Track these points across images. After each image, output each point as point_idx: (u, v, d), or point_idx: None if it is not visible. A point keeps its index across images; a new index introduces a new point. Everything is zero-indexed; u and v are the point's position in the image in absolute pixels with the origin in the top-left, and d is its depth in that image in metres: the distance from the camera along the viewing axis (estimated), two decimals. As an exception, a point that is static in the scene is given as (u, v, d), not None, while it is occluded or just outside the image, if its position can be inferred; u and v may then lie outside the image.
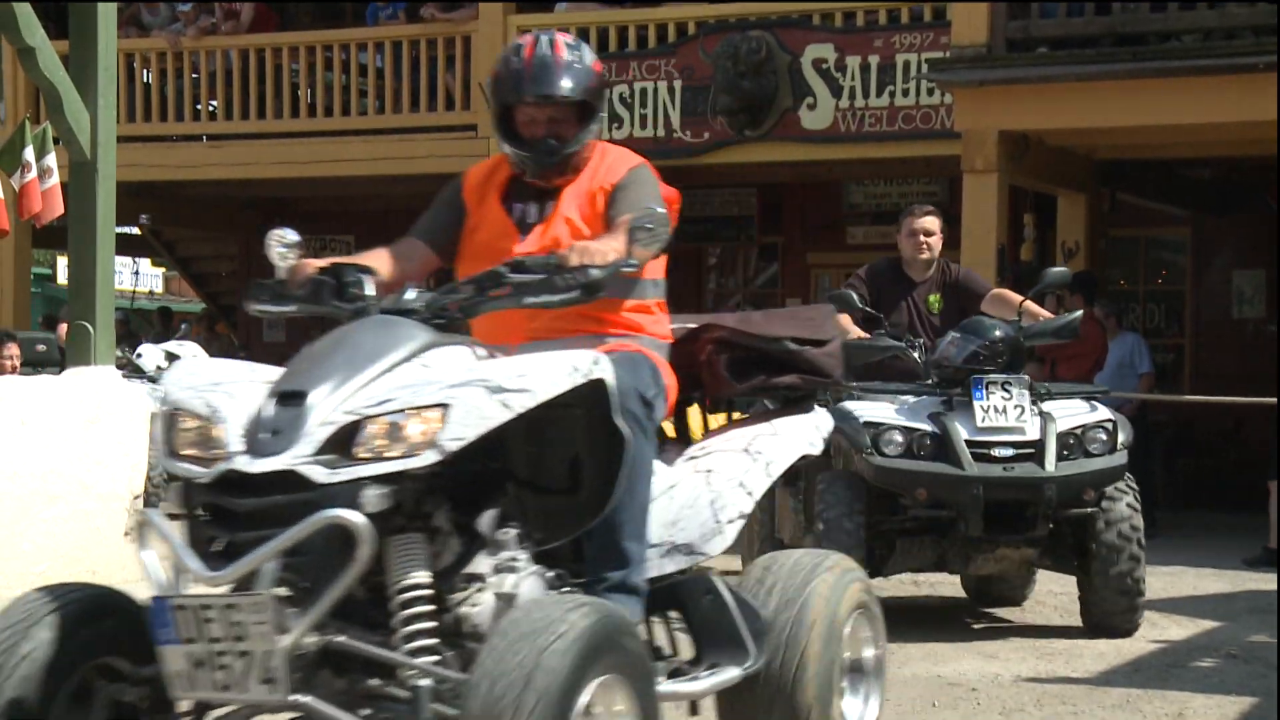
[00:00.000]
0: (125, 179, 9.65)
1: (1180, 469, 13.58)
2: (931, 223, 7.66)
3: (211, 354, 15.10)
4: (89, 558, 8.38)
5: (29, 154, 9.03)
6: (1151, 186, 13.94)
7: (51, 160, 9.06)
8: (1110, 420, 7.09)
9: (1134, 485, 7.15)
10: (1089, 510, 7.00)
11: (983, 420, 6.97)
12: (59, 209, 9.07)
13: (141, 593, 3.44)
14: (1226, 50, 10.65)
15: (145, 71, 15.52)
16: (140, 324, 23.13)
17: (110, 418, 8.55)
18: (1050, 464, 6.88)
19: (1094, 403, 7.32)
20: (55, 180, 9.07)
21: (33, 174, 9.03)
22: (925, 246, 7.61)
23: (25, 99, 14.62)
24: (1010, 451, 6.95)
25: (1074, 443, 6.98)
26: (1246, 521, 10.87)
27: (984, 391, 7.01)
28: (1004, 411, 6.97)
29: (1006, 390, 7.01)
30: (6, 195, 9.24)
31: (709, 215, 16.17)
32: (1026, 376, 7.18)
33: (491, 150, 13.77)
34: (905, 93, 12.51)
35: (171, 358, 12.09)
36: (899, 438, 6.96)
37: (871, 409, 7.13)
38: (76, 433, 8.34)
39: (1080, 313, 8.08)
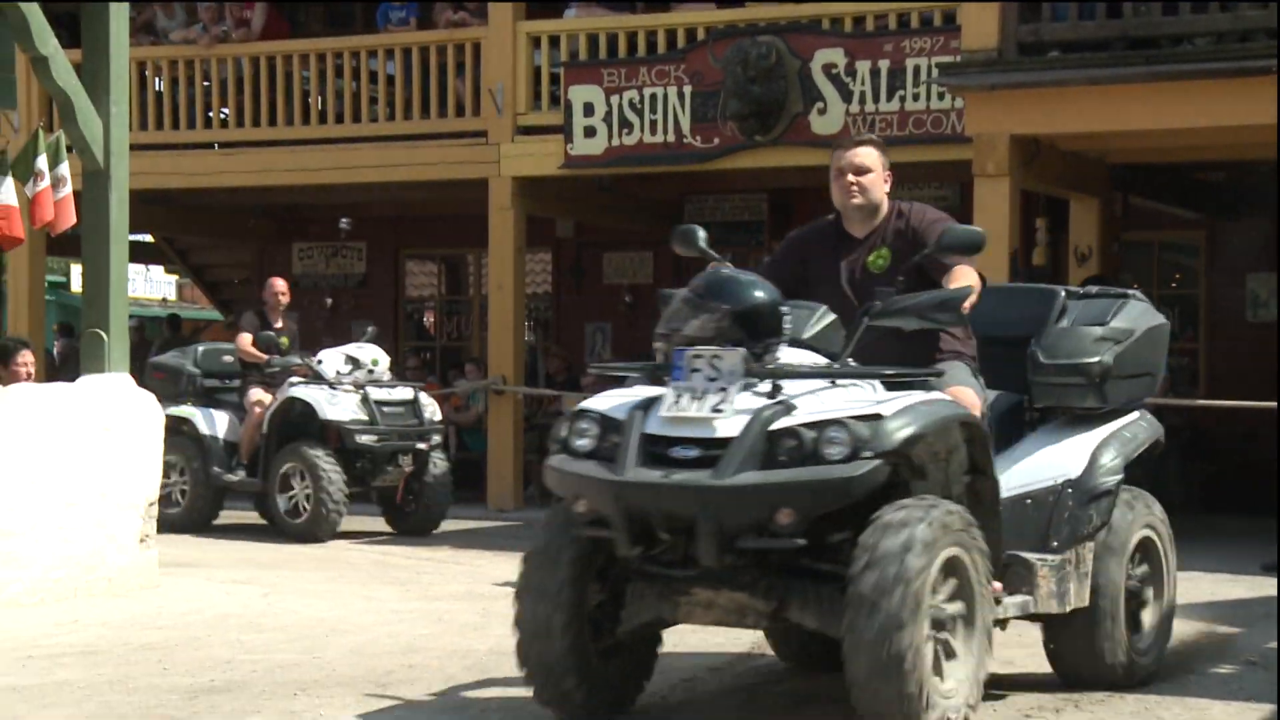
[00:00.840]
0: (138, 187, 9.68)
1: (1195, 474, 13.54)
2: (866, 155, 5.68)
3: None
4: (105, 564, 8.41)
5: (42, 163, 9.04)
6: (1164, 190, 13.91)
7: (65, 169, 9.09)
8: (875, 417, 4.98)
9: (943, 511, 5.00)
10: (804, 542, 4.98)
11: (668, 410, 5.11)
12: (71, 218, 9.09)
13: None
14: (1239, 53, 10.61)
15: (157, 79, 15.55)
16: (154, 330, 23.17)
17: (125, 425, 8.57)
18: (728, 471, 4.91)
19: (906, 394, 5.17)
20: (68, 189, 9.09)
21: (46, 183, 9.05)
22: (855, 189, 5.67)
23: (39, 107, 14.67)
24: (694, 452, 5.02)
25: (794, 445, 4.97)
26: (1263, 526, 10.84)
27: (684, 370, 5.15)
28: (701, 398, 5.08)
29: (714, 369, 5.09)
30: (20, 204, 9.26)
31: (719, 220, 16.17)
32: (742, 350, 5.09)
33: (501, 156, 13.90)
34: (915, 97, 12.50)
35: (352, 362, 11.91)
36: (592, 431, 5.25)
37: (608, 397, 5.40)
38: (92, 440, 8.36)
39: (969, 286, 5.49)
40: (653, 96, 13.36)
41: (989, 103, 11.25)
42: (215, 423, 12.25)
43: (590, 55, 13.83)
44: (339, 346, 12.33)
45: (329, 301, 18.57)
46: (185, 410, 12.22)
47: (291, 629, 7.54)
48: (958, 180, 14.21)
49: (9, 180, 9.19)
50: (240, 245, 19.54)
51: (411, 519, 12.09)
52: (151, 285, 30.97)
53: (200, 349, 13.07)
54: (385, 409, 11.81)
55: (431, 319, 18.70)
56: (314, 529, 11.34)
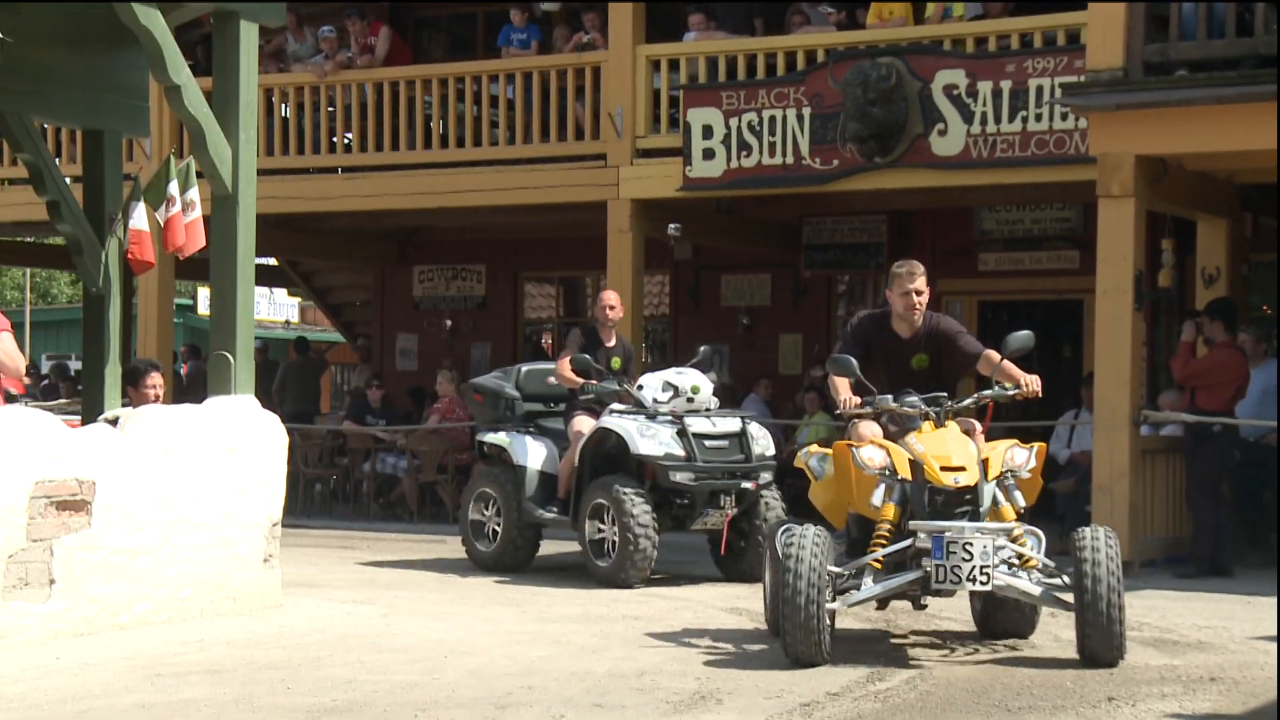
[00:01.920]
0: (263, 211, 9.85)
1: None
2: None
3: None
4: (230, 584, 8.55)
5: (173, 188, 9.24)
6: (1295, 210, 13.58)
7: (194, 194, 9.28)
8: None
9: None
10: None
11: None
12: (200, 242, 9.28)
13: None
14: (1374, 70, 10.34)
15: (284, 105, 15.86)
16: (277, 352, 23.59)
17: (250, 446, 8.71)
18: None
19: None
20: (198, 213, 9.28)
21: (176, 208, 9.25)
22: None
23: (170, 134, 15.03)
24: None
25: None
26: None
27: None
28: None
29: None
30: (152, 229, 9.47)
31: (838, 242, 16.10)
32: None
33: (620, 178, 13.96)
34: (1038, 117, 12.34)
35: (671, 389, 10.56)
36: None
37: None
38: (218, 461, 8.51)
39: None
40: (772, 119, 13.34)
41: (1114, 123, 11.06)
42: (531, 452, 10.90)
43: (709, 78, 13.85)
44: (660, 371, 10.99)
45: (448, 323, 18.77)
46: (500, 438, 11.05)
47: (411, 650, 7.60)
48: (1081, 201, 14.00)
49: (141, 206, 9.41)
50: (362, 268, 19.83)
51: (741, 564, 10.54)
52: (275, 308, 31.55)
53: (523, 369, 11.65)
54: (706, 443, 10.42)
55: (549, 341, 18.81)
56: (620, 573, 10.13)
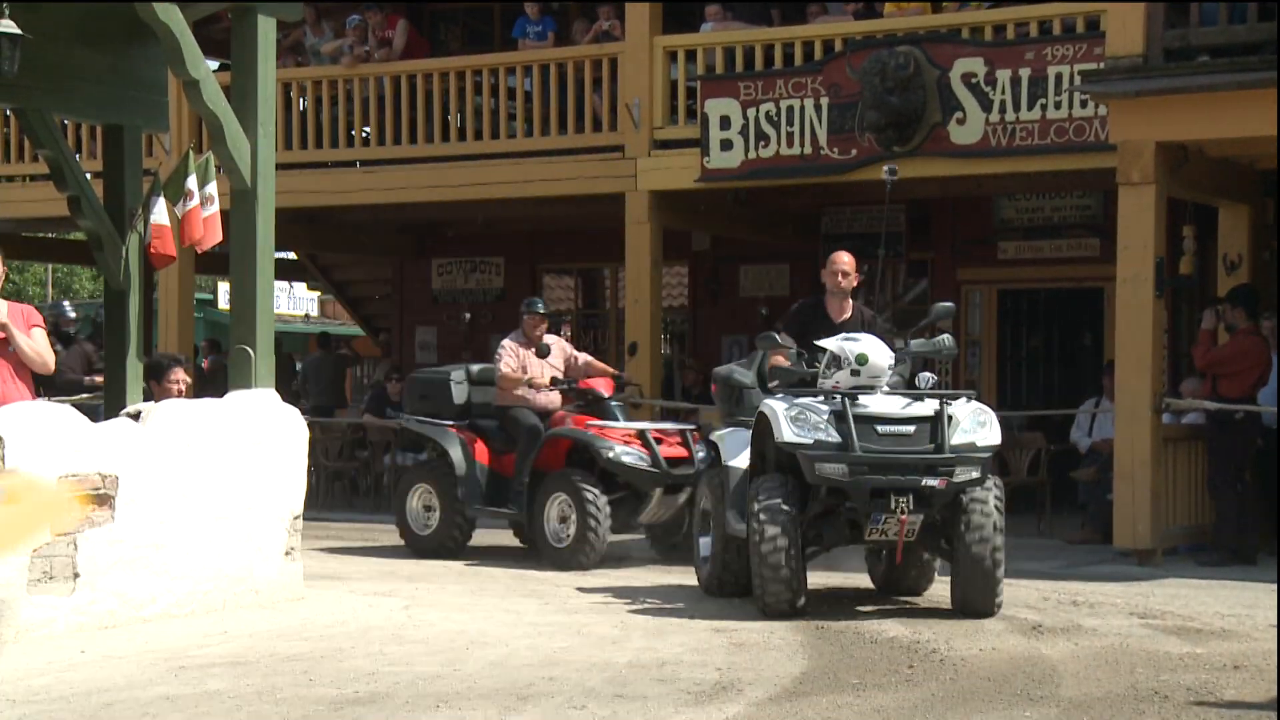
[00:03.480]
0: (283, 205, 9.87)
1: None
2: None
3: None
4: (252, 576, 8.58)
5: (191, 182, 9.27)
6: (1317, 196, 13.50)
7: (213, 188, 9.31)
8: None
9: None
10: None
11: None
12: (218, 236, 9.30)
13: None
14: (1397, 54, 10.27)
15: (301, 99, 15.88)
16: (293, 346, 23.64)
17: (271, 439, 8.74)
18: None
19: None
20: (215, 207, 9.30)
21: (195, 202, 9.28)
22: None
23: (189, 129, 15.06)
24: None
25: None
26: None
27: None
28: None
29: None
30: (171, 223, 9.50)
31: (857, 232, 16.04)
32: None
33: (638, 170, 13.95)
34: (1057, 105, 12.29)
35: (835, 361, 8.47)
36: None
37: None
38: (239, 455, 8.54)
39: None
40: (789, 109, 13.31)
41: (1134, 109, 11.01)
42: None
43: (727, 68, 13.82)
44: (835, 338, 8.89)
45: (467, 316, 18.79)
46: (719, 434, 9.50)
47: (433, 641, 7.62)
48: (1101, 189, 13.95)
49: (161, 200, 9.44)
50: (381, 261, 19.86)
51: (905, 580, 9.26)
52: (294, 302, 31.60)
53: (762, 356, 9.70)
54: (879, 428, 8.38)
55: (568, 333, 18.82)
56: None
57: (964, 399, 8.61)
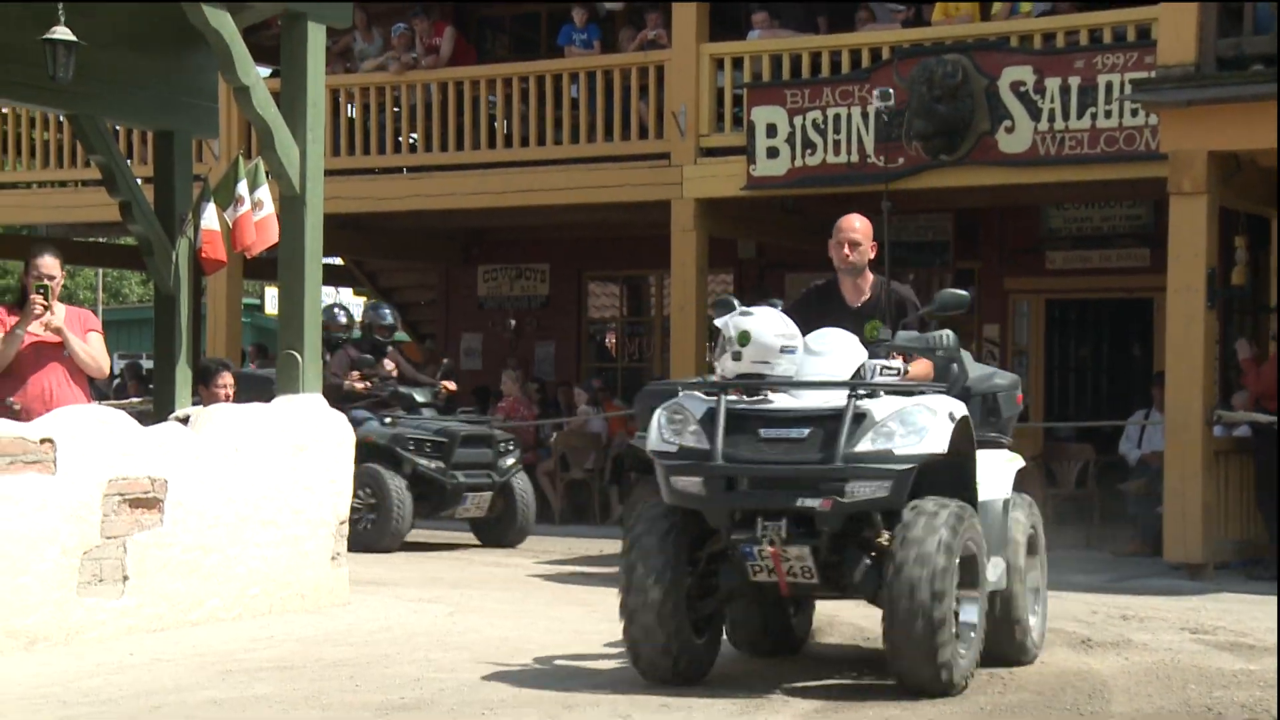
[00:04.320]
0: (330, 211, 9.91)
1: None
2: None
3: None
4: (299, 581, 8.61)
5: (242, 188, 9.31)
6: (1371, 207, 13.35)
7: (263, 192, 9.35)
8: None
9: None
10: None
11: None
12: (273, 237, 9.32)
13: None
14: None
15: (349, 106, 15.96)
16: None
17: (318, 445, 8.77)
18: None
19: None
20: (267, 210, 9.33)
21: (245, 207, 9.32)
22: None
23: (238, 135, 15.16)
24: None
25: None
26: None
27: None
28: None
29: None
30: (221, 229, 9.56)
31: (903, 240, 15.96)
32: None
33: (684, 177, 13.94)
34: (1107, 114, 12.21)
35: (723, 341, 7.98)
36: None
37: None
38: (286, 459, 8.57)
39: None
40: (836, 117, 13.28)
41: (1185, 119, 10.93)
42: None
43: (773, 76, 13.80)
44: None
45: (513, 323, 18.82)
46: None
47: (477, 648, 7.62)
48: (1151, 198, 13.84)
49: (211, 206, 9.49)
50: (427, 267, 19.93)
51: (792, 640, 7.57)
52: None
53: None
54: (763, 431, 6.47)
55: (613, 340, 18.82)
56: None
57: (933, 393, 6.50)
